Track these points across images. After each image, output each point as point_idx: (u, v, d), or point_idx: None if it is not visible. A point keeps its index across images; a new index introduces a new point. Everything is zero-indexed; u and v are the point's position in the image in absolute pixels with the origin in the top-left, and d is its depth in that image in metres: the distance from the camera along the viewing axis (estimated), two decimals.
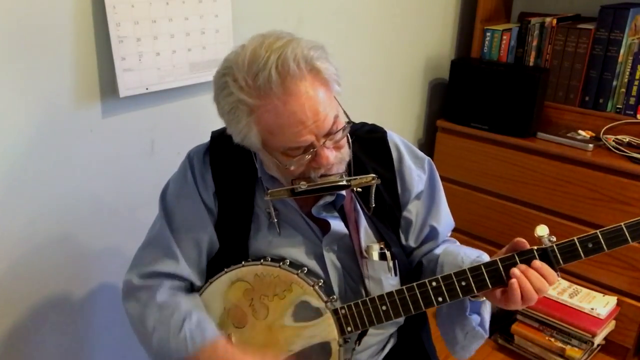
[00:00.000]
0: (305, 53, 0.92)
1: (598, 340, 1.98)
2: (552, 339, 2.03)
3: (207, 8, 1.46)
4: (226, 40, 1.52)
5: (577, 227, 2.00)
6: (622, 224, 0.92)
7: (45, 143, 1.29)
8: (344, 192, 1.08)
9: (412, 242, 1.18)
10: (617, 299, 1.99)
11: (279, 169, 1.01)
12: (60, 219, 1.37)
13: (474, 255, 1.09)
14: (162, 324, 1.04)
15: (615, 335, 2.03)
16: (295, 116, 0.91)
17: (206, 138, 1.16)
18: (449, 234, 1.22)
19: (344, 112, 1.00)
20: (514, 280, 0.94)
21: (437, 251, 1.16)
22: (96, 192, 1.42)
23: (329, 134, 0.96)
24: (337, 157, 0.99)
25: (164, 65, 1.41)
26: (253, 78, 0.91)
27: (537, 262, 0.95)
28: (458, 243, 1.22)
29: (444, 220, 1.18)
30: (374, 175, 1.03)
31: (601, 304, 1.98)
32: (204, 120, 1.57)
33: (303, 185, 0.99)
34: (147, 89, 1.40)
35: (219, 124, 1.22)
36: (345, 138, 1.01)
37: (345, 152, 1.02)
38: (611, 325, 2.01)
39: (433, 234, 1.17)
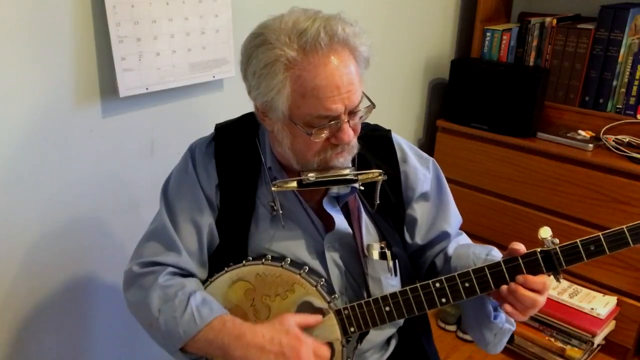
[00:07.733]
0: (348, 29, 0.93)
1: (598, 340, 1.98)
2: (552, 339, 2.03)
3: (207, 8, 1.46)
4: (226, 40, 1.52)
5: (577, 227, 2.00)
6: (624, 227, 0.93)
7: (45, 143, 1.29)
8: (353, 186, 1.07)
9: (419, 241, 1.17)
10: (617, 299, 2.00)
11: (297, 142, 0.98)
12: (60, 219, 1.37)
13: (483, 255, 1.09)
14: (166, 302, 1.01)
15: (615, 335, 2.03)
16: (333, 79, 0.91)
17: None
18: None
19: (366, 96, 1.00)
20: (506, 305, 0.97)
21: (449, 251, 1.16)
22: (96, 192, 1.42)
23: (353, 112, 0.96)
24: (353, 140, 0.99)
25: (164, 65, 1.41)
26: (298, 35, 0.91)
27: (521, 278, 0.96)
28: (465, 236, 1.22)
29: (454, 220, 1.19)
30: (381, 171, 1.03)
31: (601, 304, 1.98)
32: (203, 120, 1.58)
33: (311, 177, 0.99)
34: (147, 89, 1.40)
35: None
36: (359, 123, 1.01)
37: (356, 140, 1.01)
38: (611, 325, 2.01)
39: (444, 236, 1.17)
